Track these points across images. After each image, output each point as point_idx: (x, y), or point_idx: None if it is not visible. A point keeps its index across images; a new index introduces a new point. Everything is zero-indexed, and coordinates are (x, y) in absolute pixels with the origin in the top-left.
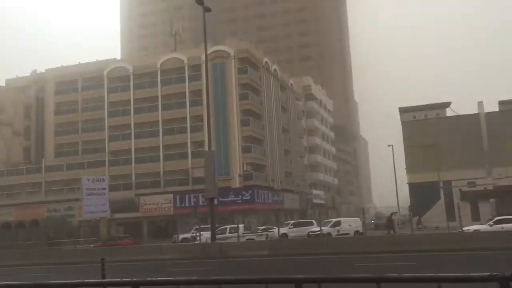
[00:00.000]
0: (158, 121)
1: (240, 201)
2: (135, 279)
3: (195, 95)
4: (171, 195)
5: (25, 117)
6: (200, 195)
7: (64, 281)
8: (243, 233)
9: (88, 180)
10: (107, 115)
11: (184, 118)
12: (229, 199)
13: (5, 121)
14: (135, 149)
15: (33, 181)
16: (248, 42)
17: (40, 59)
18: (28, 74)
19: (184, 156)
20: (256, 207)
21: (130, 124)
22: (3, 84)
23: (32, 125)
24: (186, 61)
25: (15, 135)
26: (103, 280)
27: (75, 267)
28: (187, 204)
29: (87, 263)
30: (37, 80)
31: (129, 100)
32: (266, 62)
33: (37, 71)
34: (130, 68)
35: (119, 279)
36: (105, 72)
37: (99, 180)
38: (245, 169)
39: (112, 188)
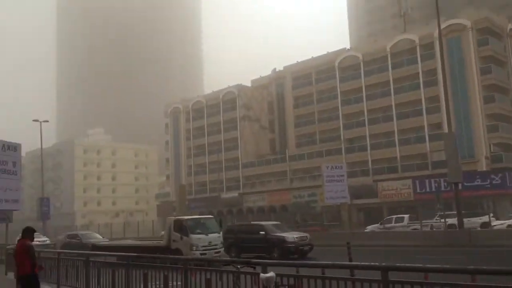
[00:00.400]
0: (391, 106)
1: (488, 186)
2: (383, 264)
3: (429, 75)
4: (409, 180)
5: (269, 112)
6: (442, 179)
7: (318, 262)
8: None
9: (327, 167)
10: (340, 104)
11: (419, 100)
12: (475, 183)
13: (253, 117)
14: (370, 135)
15: (279, 170)
16: (487, 9)
17: (278, 57)
18: (269, 72)
19: (421, 139)
20: (508, 192)
21: (363, 111)
22: (249, 84)
23: (275, 119)
24: (417, 41)
25: (262, 129)
26: (352, 263)
27: (321, 249)
28: (427, 189)
29: (332, 246)
30: (277, 77)
31: (361, 88)
32: (511, 29)
33: (277, 69)
34: (360, 56)
35: (368, 263)
36: (336, 63)
37: (337, 167)
38: (492, 150)
39: (350, 174)
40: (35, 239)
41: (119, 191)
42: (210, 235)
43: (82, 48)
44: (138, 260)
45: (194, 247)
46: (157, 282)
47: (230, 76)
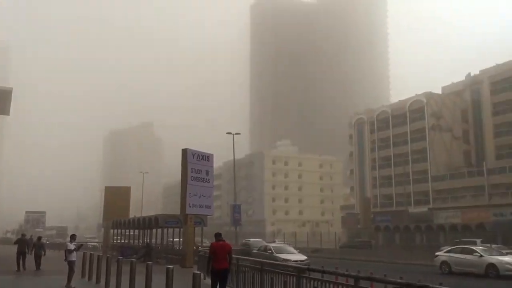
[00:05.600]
0: None
1: None
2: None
3: None
4: None
5: (462, 120)
6: None
7: None
8: None
9: None
10: None
11: None
12: None
13: (444, 126)
14: None
15: (475, 184)
16: None
17: (472, 61)
18: (462, 78)
19: None
20: None
21: None
22: (440, 92)
23: (470, 128)
24: None
25: (454, 139)
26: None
27: None
28: None
29: None
30: (472, 83)
31: None
32: None
33: (471, 74)
34: None
35: None
36: None
37: None
38: None
39: None
40: None
41: (305, 201)
42: None
43: (272, 65)
44: (310, 273)
45: None
46: None
47: (417, 85)
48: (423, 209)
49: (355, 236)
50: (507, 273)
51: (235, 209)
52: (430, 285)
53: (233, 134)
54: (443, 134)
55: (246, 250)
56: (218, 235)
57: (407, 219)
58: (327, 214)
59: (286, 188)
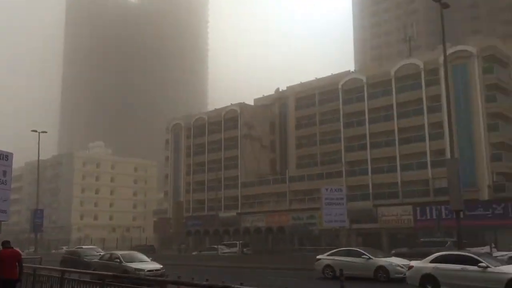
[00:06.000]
0: (393, 130)
1: (490, 216)
2: None
3: (433, 101)
4: (410, 207)
5: (270, 131)
6: (443, 207)
7: None
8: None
9: (327, 190)
10: (342, 126)
11: (422, 126)
12: (477, 212)
13: (254, 136)
14: (371, 159)
15: (279, 190)
16: (494, 37)
17: (284, 76)
18: (273, 92)
19: (423, 165)
20: (509, 223)
21: (365, 135)
22: (252, 103)
23: (276, 139)
24: (422, 66)
25: (263, 148)
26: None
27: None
28: (428, 217)
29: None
30: (280, 97)
31: (364, 111)
32: None
33: (280, 89)
34: (364, 79)
35: None
36: (339, 85)
37: (337, 190)
38: (495, 179)
39: (350, 198)
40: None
41: (117, 205)
42: None
43: (88, 63)
44: (115, 280)
45: None
46: None
47: (235, 94)
48: (233, 213)
49: (167, 240)
50: (397, 275)
51: (37, 214)
52: (232, 285)
53: (39, 132)
54: (253, 143)
55: (75, 259)
56: (6, 243)
57: (217, 223)
58: (139, 218)
59: (96, 192)
